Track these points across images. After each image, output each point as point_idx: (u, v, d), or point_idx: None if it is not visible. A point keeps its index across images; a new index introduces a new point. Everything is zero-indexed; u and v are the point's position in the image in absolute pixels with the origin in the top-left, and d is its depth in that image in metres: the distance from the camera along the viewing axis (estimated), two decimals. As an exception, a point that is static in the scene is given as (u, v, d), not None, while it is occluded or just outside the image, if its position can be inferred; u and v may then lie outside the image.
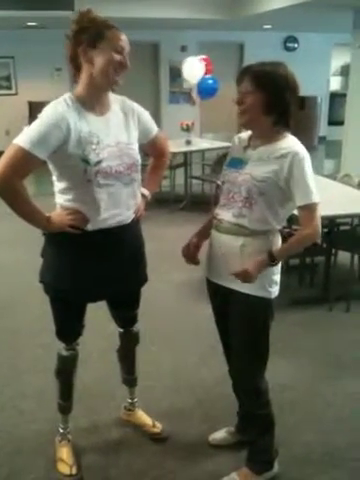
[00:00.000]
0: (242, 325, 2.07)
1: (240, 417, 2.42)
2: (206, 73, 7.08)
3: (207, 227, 2.17)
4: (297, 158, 1.88)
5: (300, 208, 1.93)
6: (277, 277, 2.05)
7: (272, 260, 1.93)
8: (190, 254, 2.22)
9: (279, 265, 2.05)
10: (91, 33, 1.87)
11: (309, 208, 1.91)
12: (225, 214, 2.03)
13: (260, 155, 1.95)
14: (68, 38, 1.92)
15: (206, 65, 7.10)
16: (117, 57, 1.89)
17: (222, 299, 2.12)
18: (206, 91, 7.10)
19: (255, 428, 2.23)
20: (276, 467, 2.24)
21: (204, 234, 2.20)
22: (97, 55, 1.87)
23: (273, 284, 2.03)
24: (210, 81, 7.07)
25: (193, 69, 7.01)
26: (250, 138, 2.04)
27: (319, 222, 1.94)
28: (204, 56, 7.29)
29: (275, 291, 2.05)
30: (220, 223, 2.05)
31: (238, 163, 2.02)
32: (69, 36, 1.91)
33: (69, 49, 1.93)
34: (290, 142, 1.94)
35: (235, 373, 2.24)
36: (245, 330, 2.07)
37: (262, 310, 2.04)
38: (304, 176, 1.89)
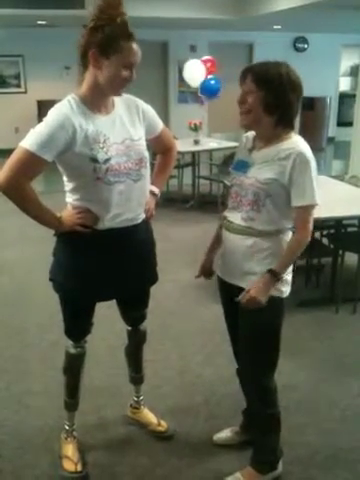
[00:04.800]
0: (251, 324, 2.06)
1: (246, 416, 2.43)
2: (209, 74, 7.03)
3: (218, 237, 2.18)
4: (300, 158, 1.87)
5: (295, 208, 1.92)
6: (289, 277, 2.04)
7: (275, 275, 1.92)
8: (206, 271, 2.27)
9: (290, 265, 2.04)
10: (107, 38, 1.82)
11: (305, 210, 1.91)
12: (234, 217, 2.03)
13: (265, 157, 1.95)
14: (85, 28, 1.87)
15: (210, 66, 7.04)
16: (125, 74, 1.88)
17: (232, 297, 2.10)
18: (208, 92, 7.07)
19: (261, 427, 2.23)
20: (280, 467, 2.24)
21: (216, 246, 2.22)
22: (107, 66, 1.86)
23: (285, 283, 2.02)
24: (212, 81, 7.03)
25: (193, 72, 7.00)
26: (254, 139, 2.04)
27: (311, 225, 1.93)
28: (209, 57, 7.25)
29: (286, 290, 2.04)
30: (230, 224, 2.05)
31: (244, 166, 2.02)
32: (86, 27, 1.87)
33: (83, 39, 1.88)
34: (295, 142, 1.92)
35: (243, 371, 2.24)
36: (254, 329, 2.06)
37: (272, 309, 2.00)
38: (305, 176, 1.88)
